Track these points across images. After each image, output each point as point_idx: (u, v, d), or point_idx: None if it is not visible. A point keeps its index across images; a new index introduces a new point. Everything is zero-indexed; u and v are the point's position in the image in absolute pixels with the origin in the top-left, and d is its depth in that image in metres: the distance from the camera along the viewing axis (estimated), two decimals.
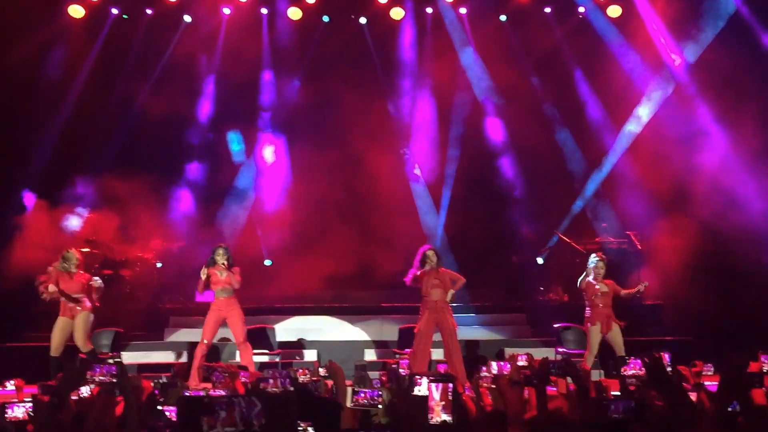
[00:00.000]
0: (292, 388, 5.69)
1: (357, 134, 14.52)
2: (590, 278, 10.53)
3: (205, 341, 10.34)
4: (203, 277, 10.33)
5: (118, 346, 11.46)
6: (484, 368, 7.05)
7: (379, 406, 4.77)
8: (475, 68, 15.11)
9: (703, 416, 4.65)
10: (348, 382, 7.12)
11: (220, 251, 10.45)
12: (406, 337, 11.30)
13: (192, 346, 11.90)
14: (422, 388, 4.76)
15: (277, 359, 11.47)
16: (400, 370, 7.29)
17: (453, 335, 10.55)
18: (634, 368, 6.22)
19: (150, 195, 13.81)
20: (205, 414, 3.50)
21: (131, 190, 13.51)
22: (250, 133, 15.39)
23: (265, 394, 5.29)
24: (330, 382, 6.86)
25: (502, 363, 6.69)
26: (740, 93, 12.92)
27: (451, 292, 10.61)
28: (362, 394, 4.99)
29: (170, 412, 4.67)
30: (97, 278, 10.96)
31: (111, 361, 5.25)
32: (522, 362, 6.95)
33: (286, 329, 12.68)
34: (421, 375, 5.72)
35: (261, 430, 3.42)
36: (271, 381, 5.84)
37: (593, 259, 10.65)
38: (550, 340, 11.94)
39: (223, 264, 10.38)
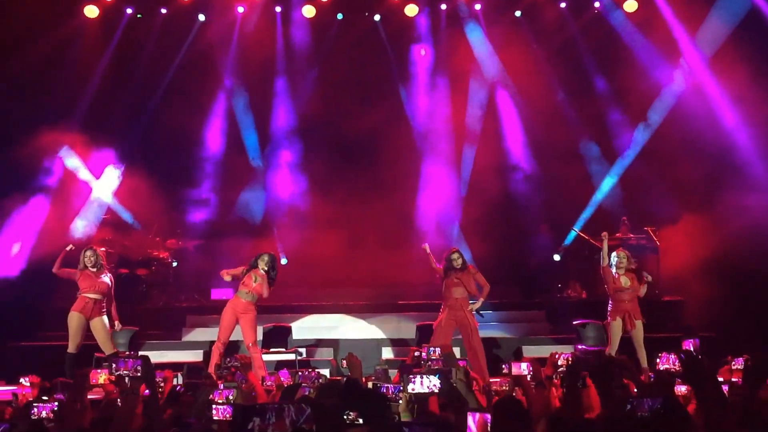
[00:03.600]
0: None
1: (372, 132, 14.47)
2: (613, 271, 10.42)
3: (221, 342, 10.31)
4: (239, 273, 10.30)
5: (135, 345, 11.43)
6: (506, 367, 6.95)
7: (400, 401, 4.70)
8: (490, 64, 15.03)
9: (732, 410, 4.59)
10: (364, 378, 7.10)
11: (266, 258, 10.41)
12: (424, 335, 11.23)
13: (209, 345, 11.91)
14: (415, 386, 4.67)
15: (293, 357, 11.40)
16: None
17: (474, 334, 10.53)
18: (667, 363, 6.09)
19: (164, 195, 13.85)
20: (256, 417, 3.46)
21: (145, 189, 13.57)
22: (265, 131, 15.34)
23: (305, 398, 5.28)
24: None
25: (527, 363, 6.61)
26: (759, 86, 12.79)
27: (481, 300, 10.64)
28: (384, 389, 4.92)
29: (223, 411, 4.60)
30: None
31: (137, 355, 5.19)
32: (563, 360, 6.88)
33: (302, 327, 12.63)
34: (416, 371, 5.67)
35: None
36: (304, 384, 5.79)
37: (614, 255, 10.51)
38: (568, 338, 11.84)
39: (264, 271, 10.33)
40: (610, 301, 10.47)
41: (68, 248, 10.36)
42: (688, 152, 13.47)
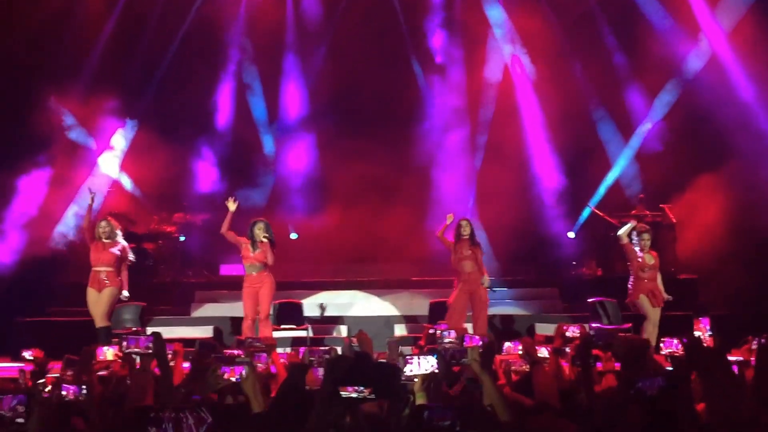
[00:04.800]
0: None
1: (385, 105, 14.29)
2: (638, 249, 10.25)
3: (250, 318, 10.22)
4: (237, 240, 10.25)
5: (142, 320, 11.29)
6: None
7: (415, 380, 4.53)
8: (506, 35, 14.73)
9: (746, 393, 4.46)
10: (376, 355, 6.96)
11: (261, 225, 10.26)
12: (437, 312, 11.10)
13: (219, 321, 11.89)
14: (413, 366, 4.51)
15: (305, 334, 11.26)
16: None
17: (484, 308, 10.58)
18: (670, 347, 5.95)
19: (172, 165, 13.65)
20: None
21: (152, 159, 13.39)
22: (274, 103, 15.12)
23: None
24: None
25: (515, 342, 6.50)
26: None
27: (488, 277, 10.61)
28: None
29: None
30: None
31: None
32: (573, 333, 6.72)
33: (314, 304, 12.50)
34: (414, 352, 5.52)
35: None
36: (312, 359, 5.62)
37: (637, 233, 10.34)
38: (582, 316, 11.68)
39: (265, 238, 10.17)
40: (630, 279, 10.31)
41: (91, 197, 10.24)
42: (706, 127, 13.22)
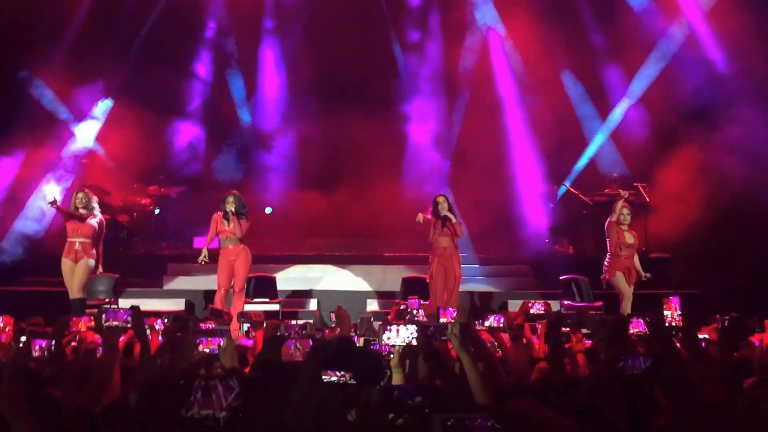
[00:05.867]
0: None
1: (362, 81, 14.21)
2: (622, 226, 10.32)
3: (223, 288, 10.30)
4: (200, 261, 10.36)
5: (115, 292, 11.25)
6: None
7: (392, 355, 4.53)
8: (485, 14, 14.66)
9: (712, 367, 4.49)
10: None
11: (230, 199, 10.28)
12: (410, 287, 11.13)
13: (191, 294, 11.83)
14: (391, 335, 4.50)
15: (277, 308, 11.25)
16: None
17: (457, 284, 10.61)
18: (637, 327, 5.98)
19: (148, 138, 13.54)
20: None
21: (127, 135, 13.27)
22: (252, 80, 15.00)
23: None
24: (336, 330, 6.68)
25: (497, 316, 6.48)
26: (756, 39, 12.55)
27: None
28: (377, 347, 4.74)
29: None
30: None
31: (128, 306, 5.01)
32: (537, 310, 6.74)
33: (287, 278, 12.47)
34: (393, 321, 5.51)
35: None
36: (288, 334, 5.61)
37: (620, 210, 10.41)
38: (555, 293, 11.73)
39: (232, 212, 10.17)
40: (607, 257, 10.37)
41: (51, 202, 10.14)
42: (682, 106, 13.23)
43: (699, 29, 13.60)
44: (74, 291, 10.10)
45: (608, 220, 10.53)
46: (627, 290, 10.29)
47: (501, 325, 6.10)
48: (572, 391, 4.06)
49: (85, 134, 13.98)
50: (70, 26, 13.98)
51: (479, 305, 11.74)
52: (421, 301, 9.02)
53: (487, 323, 6.17)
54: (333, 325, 7.12)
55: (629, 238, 10.38)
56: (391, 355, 4.48)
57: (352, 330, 6.89)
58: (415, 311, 7.21)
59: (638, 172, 13.66)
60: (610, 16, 14.01)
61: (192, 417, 3.15)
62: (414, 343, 4.47)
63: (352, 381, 3.46)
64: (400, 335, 4.48)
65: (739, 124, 12.66)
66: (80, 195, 10.24)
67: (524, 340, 6.04)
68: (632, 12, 13.94)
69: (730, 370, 4.54)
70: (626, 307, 10.15)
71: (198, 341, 4.78)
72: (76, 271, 10.10)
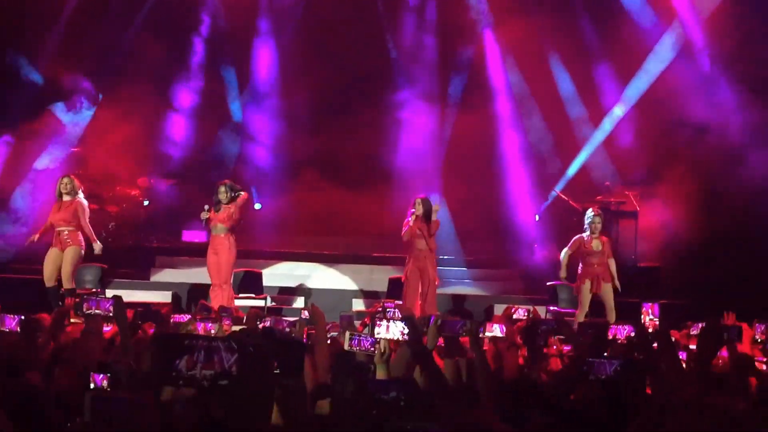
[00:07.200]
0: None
1: (354, 76, 14.19)
2: (584, 234, 10.31)
3: (213, 282, 10.33)
4: (203, 218, 10.28)
5: (102, 283, 11.22)
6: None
7: (374, 350, 4.51)
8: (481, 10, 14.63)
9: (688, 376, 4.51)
10: (329, 326, 6.92)
11: (221, 189, 10.29)
12: (396, 288, 11.15)
13: (178, 287, 11.84)
14: (381, 330, 4.48)
15: (263, 303, 11.24)
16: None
17: (432, 287, 10.55)
18: (615, 333, 5.99)
19: (139, 129, 13.49)
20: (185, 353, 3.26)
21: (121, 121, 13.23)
22: (244, 72, 14.98)
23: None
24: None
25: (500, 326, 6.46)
26: (752, 47, 12.58)
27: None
28: (356, 340, 4.72)
29: None
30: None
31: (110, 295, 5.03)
32: (519, 316, 6.73)
33: (273, 275, 12.48)
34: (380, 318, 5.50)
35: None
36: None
37: (589, 214, 10.43)
38: (542, 299, 11.74)
39: (221, 202, 10.22)
40: (580, 264, 10.37)
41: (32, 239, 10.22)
42: (677, 114, 13.23)
43: (695, 36, 13.59)
44: (52, 279, 10.04)
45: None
46: (585, 302, 10.25)
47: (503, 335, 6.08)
48: (537, 390, 4.09)
49: (76, 124, 13.91)
50: (62, 15, 13.89)
51: (465, 309, 11.72)
52: (397, 302, 9.06)
53: (489, 333, 6.13)
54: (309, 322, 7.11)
55: (596, 245, 10.30)
56: (372, 350, 4.46)
57: (329, 327, 6.87)
58: (391, 312, 7.25)
59: (629, 179, 13.64)
60: (608, 22, 14.01)
61: (194, 376, 3.16)
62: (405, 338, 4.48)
63: (276, 371, 3.48)
64: (390, 331, 4.49)
65: (732, 132, 12.72)
66: (65, 180, 10.20)
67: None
68: (629, 17, 13.91)
69: (705, 376, 4.56)
70: (579, 316, 10.05)
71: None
72: (64, 260, 10.04)
